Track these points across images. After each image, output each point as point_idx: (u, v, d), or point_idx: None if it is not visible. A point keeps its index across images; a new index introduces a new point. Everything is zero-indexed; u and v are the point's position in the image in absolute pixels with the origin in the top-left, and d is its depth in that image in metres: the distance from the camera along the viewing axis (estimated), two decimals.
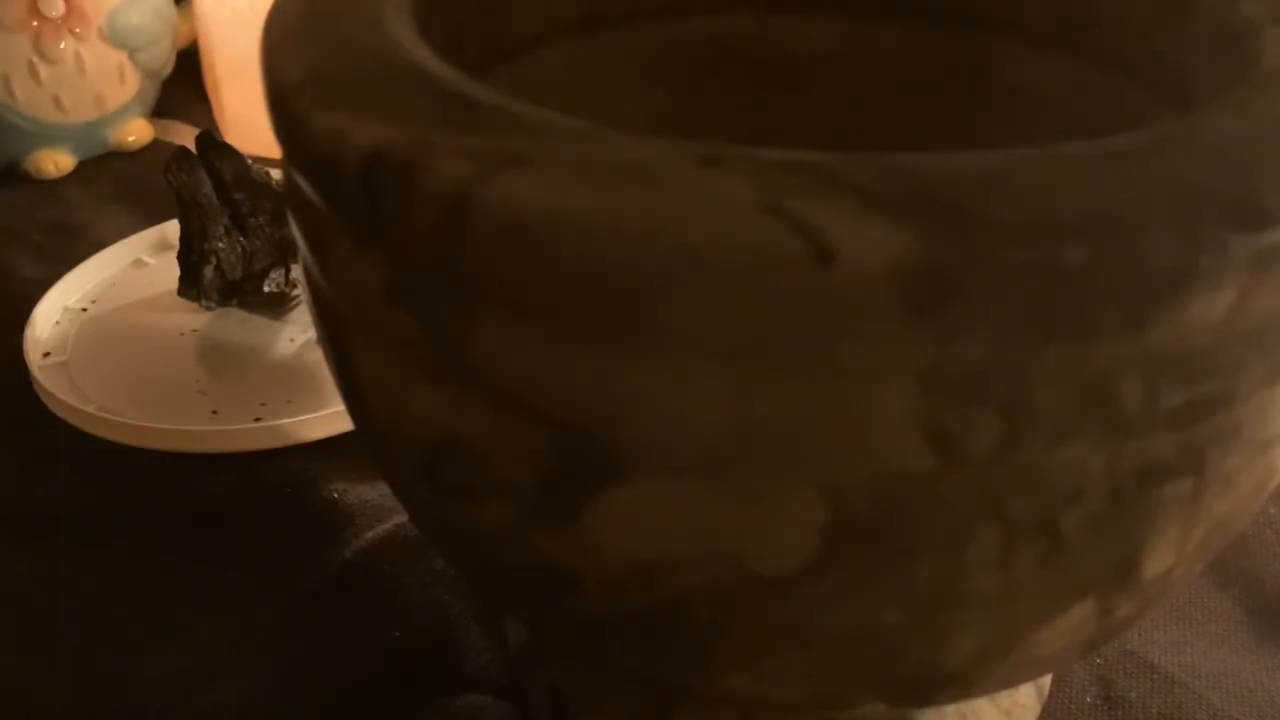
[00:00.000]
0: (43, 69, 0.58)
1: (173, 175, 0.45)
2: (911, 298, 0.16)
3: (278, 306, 0.48)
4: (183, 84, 0.66)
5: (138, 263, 0.52)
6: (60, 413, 0.42)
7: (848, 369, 0.17)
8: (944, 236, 0.16)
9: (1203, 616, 0.35)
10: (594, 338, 0.18)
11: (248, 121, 0.62)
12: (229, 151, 0.46)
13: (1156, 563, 0.20)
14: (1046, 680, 0.32)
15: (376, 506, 0.38)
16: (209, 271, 0.46)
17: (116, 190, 0.60)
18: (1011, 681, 0.25)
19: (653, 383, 0.17)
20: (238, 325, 0.47)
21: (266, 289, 0.47)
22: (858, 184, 0.16)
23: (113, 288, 0.50)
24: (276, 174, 0.45)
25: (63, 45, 0.58)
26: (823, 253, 0.16)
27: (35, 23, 0.57)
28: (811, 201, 0.16)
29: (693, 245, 0.16)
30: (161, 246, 0.52)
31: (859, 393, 0.17)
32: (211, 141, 0.46)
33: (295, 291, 0.47)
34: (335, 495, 0.38)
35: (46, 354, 0.45)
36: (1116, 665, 0.33)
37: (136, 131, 0.64)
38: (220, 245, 0.46)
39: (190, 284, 0.47)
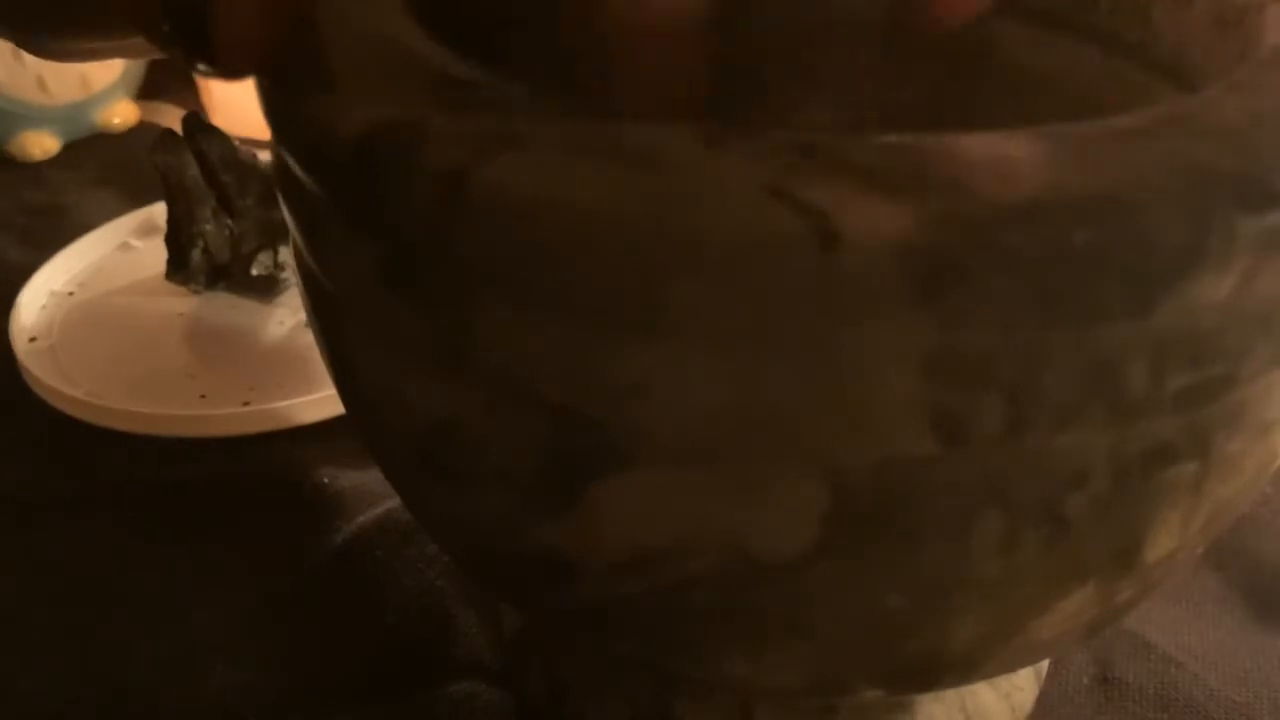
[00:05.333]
0: None
1: (159, 157, 0.45)
2: (915, 280, 0.16)
3: (267, 289, 0.47)
4: (168, 65, 0.65)
5: (124, 246, 0.51)
6: (47, 397, 0.42)
7: (851, 352, 0.16)
8: (948, 218, 0.16)
9: (1200, 597, 0.35)
10: (594, 322, 0.17)
11: (234, 103, 0.61)
12: (216, 133, 0.46)
13: (1159, 546, 0.20)
14: (1045, 662, 0.32)
15: (368, 491, 0.38)
16: (196, 254, 0.46)
17: (102, 173, 0.59)
18: (1012, 666, 0.25)
19: (654, 367, 0.17)
20: (226, 308, 0.47)
21: (255, 272, 0.46)
22: (861, 164, 0.16)
23: (99, 271, 0.50)
24: (264, 156, 0.45)
25: None
26: (826, 235, 0.15)
27: None
28: (815, 182, 0.16)
29: (694, 228, 0.16)
30: (148, 229, 0.52)
31: (863, 376, 0.17)
32: (198, 123, 0.46)
33: (284, 274, 0.47)
34: (326, 480, 0.38)
35: (33, 338, 0.45)
36: (1114, 646, 0.33)
37: (122, 113, 0.64)
38: (208, 228, 0.45)
39: (178, 267, 0.46)
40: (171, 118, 0.63)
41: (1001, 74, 0.29)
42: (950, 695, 0.29)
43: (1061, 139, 0.17)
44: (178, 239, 0.46)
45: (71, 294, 0.48)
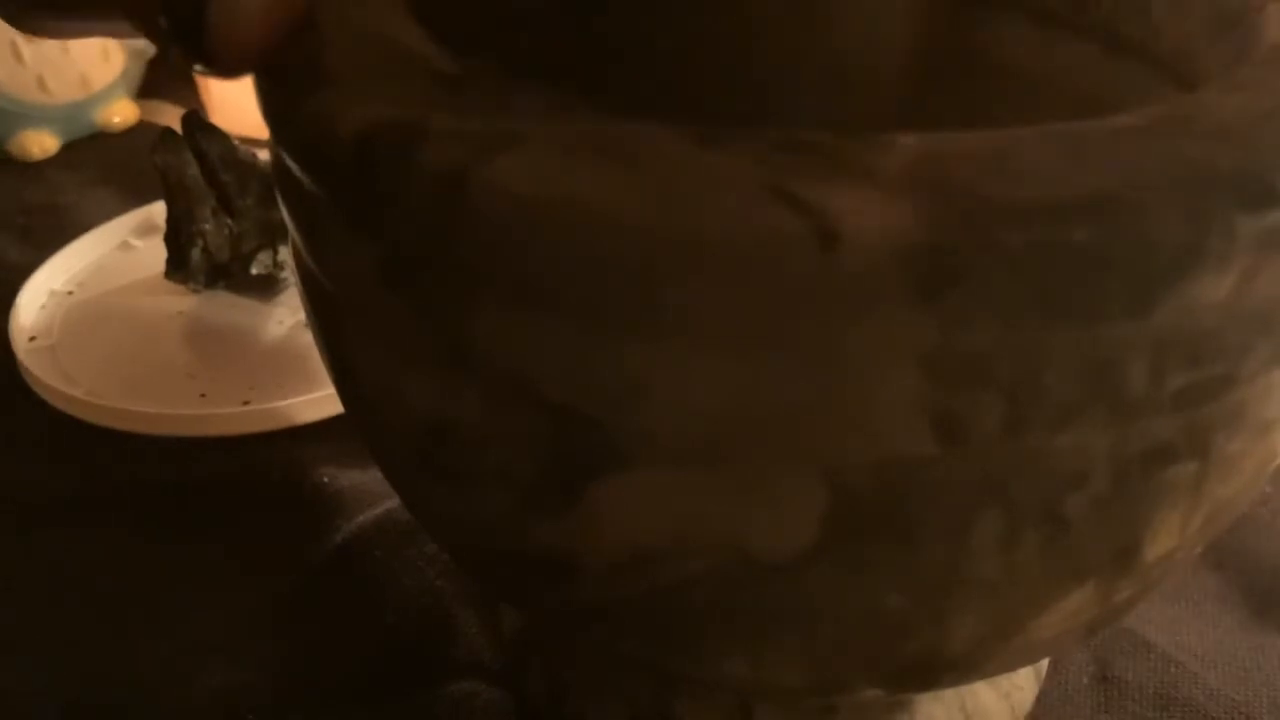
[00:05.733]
0: (25, 48, 0.58)
1: (159, 156, 0.45)
2: (915, 280, 0.16)
3: (266, 289, 0.47)
4: (168, 64, 0.65)
5: (124, 245, 0.51)
6: (46, 397, 0.42)
7: (851, 352, 0.16)
8: (948, 217, 0.16)
9: (1199, 596, 0.35)
10: (594, 322, 0.17)
11: (234, 102, 0.61)
12: (215, 132, 0.46)
13: (1158, 546, 0.20)
14: (1044, 661, 0.32)
15: (368, 491, 0.38)
16: (196, 254, 0.46)
17: (102, 172, 0.59)
18: (1012, 666, 0.25)
19: (654, 368, 0.17)
20: (226, 308, 0.47)
21: (254, 271, 0.46)
22: (861, 164, 0.16)
23: (99, 271, 0.50)
24: (264, 155, 0.45)
25: None
26: (825, 234, 0.15)
27: None
28: (814, 182, 0.16)
29: (693, 228, 0.16)
30: (148, 228, 0.52)
31: (862, 376, 0.17)
32: (198, 122, 0.46)
33: (284, 274, 0.47)
34: (326, 480, 0.38)
35: (32, 338, 0.45)
36: (1114, 645, 0.33)
37: (122, 112, 0.64)
38: (207, 227, 0.45)
39: (177, 266, 0.46)
40: (171, 117, 0.63)
41: (1001, 73, 0.29)
42: (950, 695, 0.29)
43: (1061, 139, 0.17)
44: (177, 238, 0.46)
45: (71, 293, 0.48)
